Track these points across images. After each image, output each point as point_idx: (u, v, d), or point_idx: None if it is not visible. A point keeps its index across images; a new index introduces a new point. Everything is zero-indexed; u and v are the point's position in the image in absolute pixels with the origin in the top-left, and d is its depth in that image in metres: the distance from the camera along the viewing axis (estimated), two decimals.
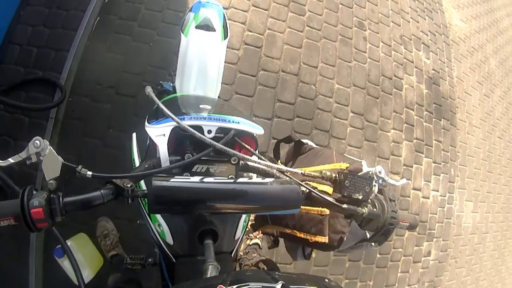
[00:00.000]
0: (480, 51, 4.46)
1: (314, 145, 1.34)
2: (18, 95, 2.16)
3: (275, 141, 2.42)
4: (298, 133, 2.64)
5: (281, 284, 0.55)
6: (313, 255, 2.53)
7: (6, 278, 1.99)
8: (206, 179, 0.74)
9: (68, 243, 1.56)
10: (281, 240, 1.39)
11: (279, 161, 1.43)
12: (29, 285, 1.99)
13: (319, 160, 1.17)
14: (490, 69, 4.55)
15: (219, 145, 0.77)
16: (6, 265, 1.99)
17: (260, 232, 1.46)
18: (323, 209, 1.03)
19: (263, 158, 0.84)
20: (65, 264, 1.56)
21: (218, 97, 1.31)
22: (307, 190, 0.80)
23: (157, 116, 0.87)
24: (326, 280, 0.65)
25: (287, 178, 0.82)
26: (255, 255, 1.83)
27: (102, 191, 0.69)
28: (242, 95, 2.54)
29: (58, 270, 1.55)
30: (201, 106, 0.98)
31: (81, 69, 2.28)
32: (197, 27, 1.23)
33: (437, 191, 3.35)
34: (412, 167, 3.16)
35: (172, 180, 0.72)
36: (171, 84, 1.51)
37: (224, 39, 1.27)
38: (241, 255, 1.80)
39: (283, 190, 0.78)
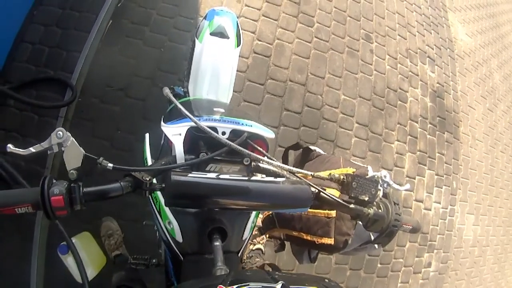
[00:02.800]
0: (484, 65, 4.50)
1: (322, 152, 1.37)
2: (29, 93, 2.18)
3: (281, 149, 2.50)
4: (304, 141, 2.66)
5: (281, 284, 0.56)
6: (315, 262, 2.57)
7: (8, 275, 2.00)
8: (222, 176, 0.77)
9: (73, 241, 1.59)
10: (287, 245, 1.41)
11: None
12: (30, 282, 2.00)
13: (326, 166, 1.20)
14: (494, 83, 4.58)
15: (234, 145, 0.79)
16: (8, 262, 2.00)
17: (267, 236, 1.49)
18: (329, 211, 1.07)
19: (274, 159, 0.87)
20: (69, 261, 1.58)
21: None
22: (316, 191, 0.82)
23: (173, 116, 0.90)
24: (326, 280, 0.66)
25: (297, 179, 0.85)
26: (258, 259, 1.85)
27: (121, 183, 0.71)
28: (250, 102, 2.58)
29: (61, 268, 1.57)
30: (215, 109, 1.01)
31: (92, 70, 2.31)
32: (212, 34, 1.28)
33: (439, 203, 3.37)
34: (415, 178, 3.19)
35: (189, 175, 0.75)
36: (182, 89, 1.55)
37: (237, 46, 1.32)
38: (244, 259, 1.82)
39: (294, 189, 0.81)
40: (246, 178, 0.79)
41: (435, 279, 3.31)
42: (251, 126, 0.91)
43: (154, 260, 1.38)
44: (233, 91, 2.43)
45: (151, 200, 0.99)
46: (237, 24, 1.36)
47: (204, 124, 0.83)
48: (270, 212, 1.39)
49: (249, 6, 2.80)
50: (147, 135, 1.07)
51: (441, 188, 3.40)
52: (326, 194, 0.83)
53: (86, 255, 1.61)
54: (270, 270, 1.46)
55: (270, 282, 0.60)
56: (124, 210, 2.03)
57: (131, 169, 0.73)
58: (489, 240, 3.95)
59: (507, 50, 5.17)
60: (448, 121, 3.63)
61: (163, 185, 0.75)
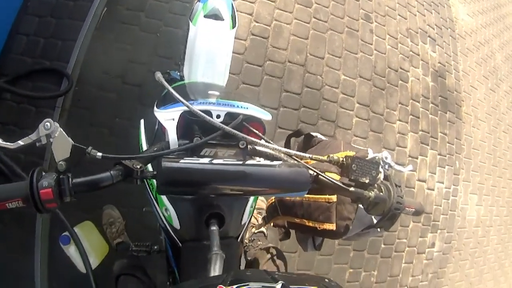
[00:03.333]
0: (486, 45, 4.45)
1: (323, 138, 1.36)
2: (25, 85, 2.19)
3: (281, 130, 2.49)
4: (304, 123, 2.65)
5: (281, 284, 0.55)
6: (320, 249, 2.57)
7: (12, 269, 2.01)
8: (215, 161, 0.75)
9: (75, 230, 1.58)
10: (293, 233, 1.41)
11: None
12: (34, 275, 2.01)
13: (327, 151, 1.18)
14: (496, 64, 4.53)
15: (228, 128, 0.77)
16: (12, 256, 2.00)
17: (272, 224, 1.47)
18: (330, 196, 1.05)
19: (271, 142, 0.85)
20: (71, 251, 1.58)
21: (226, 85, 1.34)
22: (315, 174, 0.81)
23: (166, 101, 0.89)
24: (326, 280, 0.65)
25: (295, 162, 0.83)
26: (260, 243, 1.85)
27: (111, 172, 0.70)
28: (249, 84, 2.56)
29: (64, 259, 1.57)
30: (209, 92, 0.98)
31: (88, 59, 2.30)
32: (206, 16, 1.25)
33: (442, 183, 3.36)
34: (417, 158, 3.17)
35: (181, 161, 0.73)
36: (178, 74, 1.53)
37: (233, 28, 1.30)
38: (246, 243, 1.81)
39: (291, 173, 0.79)
40: (241, 162, 0.77)
41: (439, 259, 3.32)
42: (246, 108, 0.89)
43: (155, 247, 1.37)
44: (231, 73, 2.47)
45: (147, 187, 0.98)
46: (232, 5, 1.34)
47: (197, 107, 0.81)
48: (273, 200, 1.38)
49: None
50: (142, 121, 1.06)
51: (444, 168, 3.38)
52: (325, 177, 0.82)
53: (88, 244, 1.61)
54: (274, 253, 1.46)
55: (270, 282, 0.60)
56: (125, 197, 2.02)
57: (121, 157, 0.72)
58: (492, 220, 3.95)
59: (508, 31, 5.11)
60: (450, 101, 3.60)
61: (155, 173, 0.74)
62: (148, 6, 2.49)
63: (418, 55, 3.45)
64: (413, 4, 3.63)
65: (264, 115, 0.91)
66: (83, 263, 1.54)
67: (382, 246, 2.90)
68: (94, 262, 1.63)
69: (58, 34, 2.31)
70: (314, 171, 0.80)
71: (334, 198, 1.05)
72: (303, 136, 1.40)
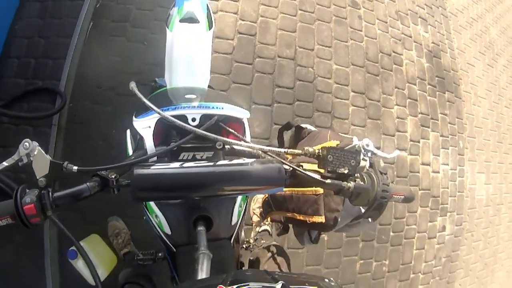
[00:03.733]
0: (479, 21, 4.39)
1: (313, 129, 1.35)
2: (21, 106, 2.24)
3: (277, 126, 2.45)
4: (300, 116, 2.62)
5: (281, 284, 0.56)
6: (325, 237, 2.54)
7: (25, 286, 2.04)
8: (186, 164, 0.75)
9: (81, 244, 1.58)
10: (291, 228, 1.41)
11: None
12: None
13: (316, 142, 1.18)
14: (491, 38, 4.47)
15: (199, 130, 0.77)
16: (24, 274, 2.03)
17: (270, 219, 1.48)
18: (317, 189, 1.04)
19: (246, 140, 0.86)
20: (79, 265, 1.58)
21: (209, 86, 1.32)
22: (291, 168, 0.79)
23: (143, 110, 0.91)
24: (326, 280, 0.65)
25: (269, 158, 0.82)
26: (264, 241, 1.84)
27: (88, 183, 0.72)
28: (240, 83, 2.53)
29: (74, 273, 1.56)
30: (186, 96, 0.99)
31: (79, 74, 2.34)
32: (181, 20, 1.24)
33: (447, 164, 3.31)
34: (419, 142, 3.12)
35: (152, 167, 0.74)
36: (162, 82, 1.52)
37: (209, 29, 1.28)
38: (251, 243, 1.80)
39: (264, 169, 0.78)
40: (211, 163, 0.77)
41: (451, 242, 3.27)
42: (222, 108, 0.89)
43: (160, 254, 1.37)
44: (221, 74, 2.45)
45: (146, 212, 1.01)
46: (207, 6, 1.33)
47: (172, 113, 0.82)
48: (266, 196, 1.39)
49: None
50: (128, 130, 1.07)
51: (448, 149, 3.34)
52: (300, 171, 0.79)
53: (95, 257, 1.60)
54: (275, 251, 1.45)
55: (270, 282, 0.59)
56: (129, 208, 2.01)
57: (95, 169, 0.73)
58: (502, 198, 3.89)
59: (501, 4, 5.04)
60: (447, 81, 3.55)
61: (129, 181, 0.75)
62: (132, 16, 2.51)
63: (410, 37, 3.40)
64: None
65: (241, 113, 0.91)
66: (92, 276, 1.54)
67: (392, 234, 2.86)
68: (103, 273, 1.62)
69: (47, 53, 2.36)
70: (289, 166, 0.79)
71: (321, 190, 1.03)
72: (293, 128, 1.39)
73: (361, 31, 3.08)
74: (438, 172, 3.23)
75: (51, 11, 2.48)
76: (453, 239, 3.30)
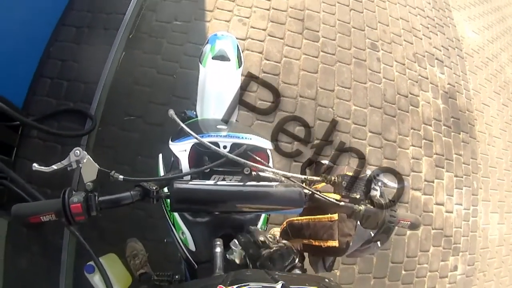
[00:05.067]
0: (495, 60, 4.52)
1: (332, 165, 1.47)
2: (51, 124, 2.36)
3: (296, 163, 2.58)
4: (318, 154, 2.73)
5: (281, 284, 0.58)
6: (338, 273, 2.63)
7: None
8: (219, 182, 0.90)
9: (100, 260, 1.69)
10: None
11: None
12: None
13: (334, 174, 1.31)
14: (506, 78, 4.59)
15: (231, 155, 0.89)
16: (36, 283, 2.13)
17: None
18: (332, 215, 1.13)
19: (271, 167, 0.99)
20: (95, 279, 1.69)
21: (236, 120, 1.46)
22: (310, 192, 0.92)
23: (179, 135, 1.04)
24: (326, 280, 0.69)
25: (292, 183, 0.96)
26: None
27: (131, 192, 0.83)
28: (263, 121, 2.70)
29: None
30: (218, 126, 1.14)
31: (110, 100, 2.51)
32: (214, 58, 1.40)
33: (461, 204, 3.39)
34: (433, 182, 3.22)
35: (190, 182, 0.87)
36: (194, 113, 1.66)
37: (239, 67, 1.45)
38: None
39: (287, 191, 0.92)
40: (241, 183, 0.90)
41: (462, 282, 3.32)
42: (250, 139, 1.03)
43: (177, 276, 1.45)
44: (245, 110, 2.58)
45: (166, 215, 1.11)
46: (237, 46, 1.49)
47: (206, 140, 0.93)
48: (284, 225, 1.49)
49: (254, 28, 2.96)
50: (160, 155, 1.20)
51: (462, 189, 3.42)
52: (317, 194, 0.93)
53: (112, 274, 1.71)
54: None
55: (270, 282, 0.62)
56: (148, 231, 2.14)
57: (140, 179, 0.85)
58: None
59: None
60: (462, 121, 3.66)
61: (168, 193, 0.86)
62: (163, 49, 2.70)
63: (427, 78, 3.55)
64: (418, 28, 3.75)
65: (266, 144, 1.06)
66: None
67: (403, 272, 2.93)
68: None
69: (80, 77, 2.53)
70: (308, 189, 0.92)
71: (335, 216, 1.13)
72: (314, 164, 1.52)
73: (379, 73, 3.24)
74: (452, 212, 3.31)
75: (86, 37, 2.66)
76: (465, 278, 3.35)
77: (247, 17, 3.03)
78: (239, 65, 1.45)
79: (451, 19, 4.20)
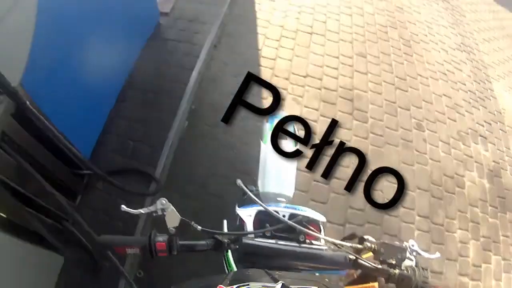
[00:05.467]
0: None
1: (373, 240, 1.50)
2: (116, 180, 2.43)
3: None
4: (357, 233, 2.72)
5: (281, 284, 0.60)
6: None
7: None
8: (280, 241, 1.04)
9: None
10: None
11: None
12: None
13: None
14: None
15: (290, 222, 1.04)
16: None
17: None
18: (373, 283, 1.19)
19: (322, 236, 1.12)
20: None
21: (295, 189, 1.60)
22: (354, 257, 1.04)
23: (245, 203, 1.19)
24: (327, 280, 0.74)
25: (339, 249, 1.09)
26: None
27: (207, 241, 0.99)
28: (317, 201, 2.76)
29: None
30: (278, 198, 1.32)
31: (173, 167, 2.64)
32: None
33: None
34: (481, 267, 3.16)
35: (256, 239, 1.03)
36: (255, 188, 1.72)
37: None
38: None
39: (334, 255, 1.06)
40: (298, 244, 1.05)
41: None
42: (305, 211, 1.19)
43: None
44: (301, 190, 2.64)
45: (225, 267, 1.20)
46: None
47: (269, 208, 1.08)
48: None
49: (308, 107, 3.14)
50: (224, 220, 1.32)
51: (510, 273, 3.33)
52: (359, 258, 1.05)
53: None
54: None
55: (270, 282, 0.64)
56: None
57: (216, 232, 1.00)
58: None
59: None
60: (508, 200, 3.62)
61: (237, 246, 1.00)
62: (223, 123, 2.74)
63: (472, 157, 3.58)
64: (461, 104, 3.82)
65: (319, 217, 1.19)
66: None
67: None
68: None
69: (145, 139, 2.70)
70: (352, 255, 1.05)
71: (376, 285, 1.20)
72: (357, 238, 1.56)
73: (426, 154, 3.30)
74: None
75: (152, 102, 2.86)
76: None
77: (301, 96, 3.22)
78: None
79: (491, 90, 4.31)
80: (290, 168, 1.51)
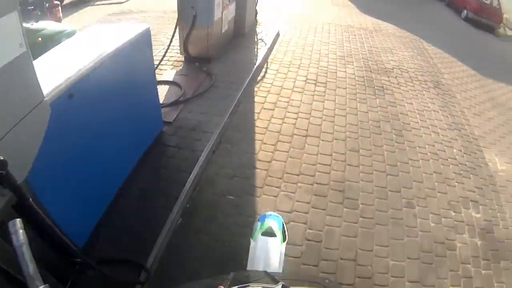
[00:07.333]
0: None
1: None
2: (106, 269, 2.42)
3: None
4: None
5: (281, 285, 0.59)
6: None
7: None
8: None
9: None
10: None
11: None
12: None
13: None
14: None
15: None
16: None
17: None
18: None
19: None
20: None
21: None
22: None
23: None
24: (327, 280, 0.81)
25: None
26: None
27: None
28: (308, 265, 3.09)
29: None
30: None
31: (164, 259, 2.85)
32: (263, 234, 1.69)
33: None
34: None
35: None
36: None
37: (283, 242, 1.72)
38: None
39: None
40: None
41: None
42: None
43: None
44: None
45: None
46: (283, 224, 1.80)
47: None
48: None
49: (299, 201, 3.64)
50: None
51: None
52: None
53: None
54: None
55: (270, 282, 0.63)
56: None
57: None
58: None
59: None
60: (501, 250, 3.87)
61: None
62: (217, 219, 3.23)
63: (463, 221, 4.02)
64: (451, 177, 4.37)
65: None
66: None
67: None
68: None
69: (140, 233, 2.91)
70: None
71: None
72: None
73: (415, 227, 3.73)
74: None
75: (149, 200, 3.14)
76: None
77: (293, 192, 3.70)
78: (284, 239, 1.72)
79: (482, 158, 4.77)
80: (277, 261, 1.61)
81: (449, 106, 5.74)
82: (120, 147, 3.06)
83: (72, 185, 2.39)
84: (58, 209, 2.10)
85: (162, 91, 4.64)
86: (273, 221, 1.78)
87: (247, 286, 0.64)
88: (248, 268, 1.64)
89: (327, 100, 5.20)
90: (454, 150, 4.73)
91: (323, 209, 3.65)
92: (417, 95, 5.78)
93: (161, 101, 4.25)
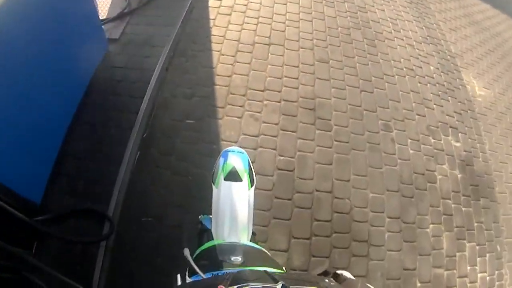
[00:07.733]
0: (508, 113, 4.65)
1: (348, 276, 1.52)
2: (67, 224, 2.41)
3: (315, 259, 2.69)
4: (337, 248, 2.83)
5: (281, 285, 0.59)
6: None
7: None
8: None
9: None
10: None
11: None
12: None
13: None
14: None
15: None
16: None
17: None
18: None
19: None
20: None
21: (253, 233, 1.55)
22: None
23: (194, 272, 1.06)
24: (326, 280, 0.73)
25: None
26: None
27: None
28: (280, 219, 2.81)
29: None
30: (233, 258, 1.18)
31: (127, 201, 2.59)
32: (225, 179, 1.45)
33: (485, 272, 3.44)
34: (455, 256, 3.30)
35: None
36: (210, 216, 1.62)
37: (251, 187, 1.49)
38: None
39: None
40: None
41: None
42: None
43: None
44: (262, 210, 2.80)
45: None
46: (249, 163, 1.54)
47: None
48: None
49: (267, 123, 3.20)
50: (178, 275, 1.21)
51: (485, 256, 3.48)
52: None
53: None
54: None
55: (270, 282, 0.64)
56: None
57: None
58: None
59: None
60: (481, 186, 3.77)
61: None
62: (177, 149, 2.90)
63: (443, 150, 3.71)
64: (429, 98, 3.92)
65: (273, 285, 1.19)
66: None
67: None
68: None
69: (97, 177, 2.63)
70: None
71: None
72: (331, 274, 1.57)
73: (394, 154, 3.42)
74: (476, 282, 3.34)
75: (100, 136, 2.81)
76: None
77: (259, 112, 3.28)
78: (251, 184, 1.50)
79: (460, 79, 4.41)
80: (245, 211, 1.45)
81: (423, 17, 5.31)
82: (60, 84, 2.65)
83: (14, 136, 2.13)
84: (5, 167, 1.98)
85: (103, 4, 4.01)
86: (237, 158, 1.51)
87: (246, 285, 0.61)
88: (212, 223, 1.49)
89: (289, 2, 4.45)
90: (431, 68, 4.33)
91: (293, 131, 3.24)
92: (388, 1, 5.26)
93: (103, 16, 3.77)
